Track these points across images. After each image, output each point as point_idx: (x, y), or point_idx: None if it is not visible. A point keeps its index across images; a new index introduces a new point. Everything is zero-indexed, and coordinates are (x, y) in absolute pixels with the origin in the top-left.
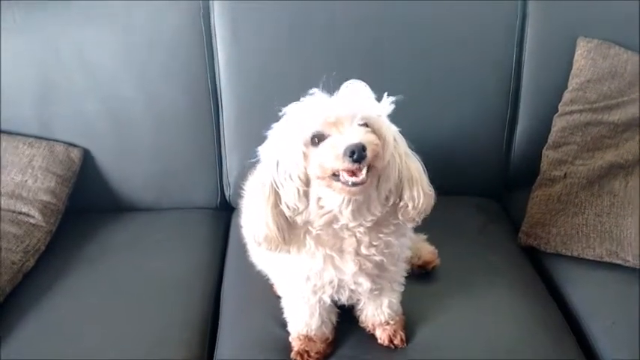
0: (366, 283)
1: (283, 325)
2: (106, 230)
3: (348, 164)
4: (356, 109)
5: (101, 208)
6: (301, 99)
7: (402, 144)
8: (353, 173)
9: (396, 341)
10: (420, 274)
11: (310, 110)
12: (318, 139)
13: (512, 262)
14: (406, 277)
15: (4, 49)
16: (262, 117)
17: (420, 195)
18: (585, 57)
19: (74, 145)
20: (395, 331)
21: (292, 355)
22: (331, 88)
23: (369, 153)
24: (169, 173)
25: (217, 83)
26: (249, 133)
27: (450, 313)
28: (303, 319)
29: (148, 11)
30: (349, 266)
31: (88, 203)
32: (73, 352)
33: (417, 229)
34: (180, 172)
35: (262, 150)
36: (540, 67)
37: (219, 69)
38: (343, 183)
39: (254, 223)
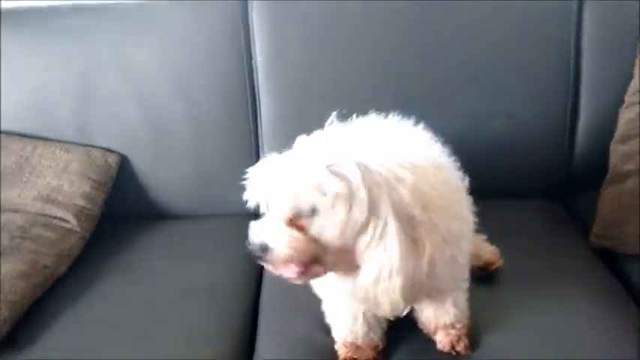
0: None
1: (328, 331)
2: (142, 237)
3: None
4: (285, 201)
5: (138, 214)
6: None
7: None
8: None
9: (459, 347)
10: (480, 276)
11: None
12: None
13: (585, 265)
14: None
15: (41, 55)
16: (301, 121)
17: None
18: None
19: (111, 151)
20: (459, 336)
21: None
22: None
23: (273, 257)
24: (207, 179)
25: (255, 87)
26: (288, 138)
27: (520, 319)
28: (347, 324)
29: (186, 14)
30: None
31: (124, 210)
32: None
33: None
34: (218, 177)
35: None
36: (601, 55)
37: (257, 72)
38: None
39: None
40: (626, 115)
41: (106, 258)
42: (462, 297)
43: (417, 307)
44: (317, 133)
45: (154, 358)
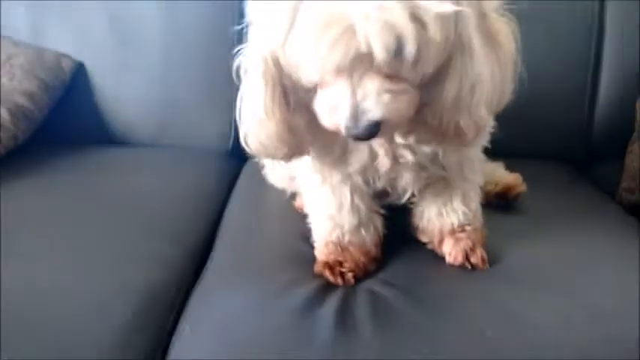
0: (407, 175)
1: (308, 238)
2: (91, 156)
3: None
4: (375, 40)
5: (89, 137)
6: None
7: (469, 29)
8: None
9: (475, 259)
10: (499, 205)
11: (308, 43)
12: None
13: (613, 213)
14: (484, 210)
15: None
16: None
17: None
18: None
19: (67, 56)
20: (474, 244)
21: (316, 267)
22: None
23: (384, 128)
24: (176, 103)
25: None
26: None
27: (545, 247)
28: (330, 213)
29: None
30: (380, 161)
31: (76, 131)
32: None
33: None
34: (190, 103)
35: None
36: (625, 15)
37: None
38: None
39: (256, 135)
40: None
41: (41, 167)
42: (473, 194)
43: (417, 208)
44: None
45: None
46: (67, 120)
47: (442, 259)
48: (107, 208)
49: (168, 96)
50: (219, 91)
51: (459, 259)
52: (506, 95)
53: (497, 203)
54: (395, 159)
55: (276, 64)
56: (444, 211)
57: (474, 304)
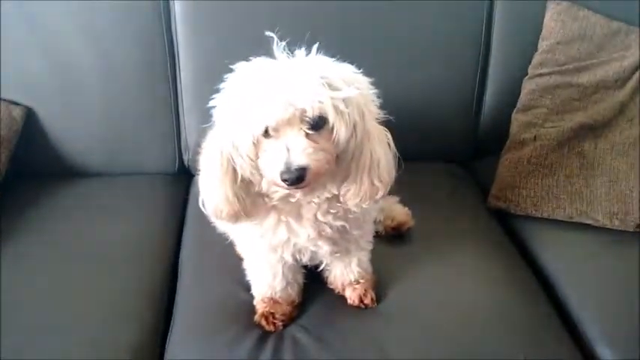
0: (325, 247)
1: (248, 288)
2: (51, 195)
3: (284, 185)
4: (307, 103)
5: (46, 172)
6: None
7: (370, 123)
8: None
9: (367, 300)
10: (393, 235)
11: (257, 102)
12: (266, 132)
13: (483, 225)
14: (378, 239)
15: None
16: (223, 75)
17: (363, 187)
18: (555, 19)
19: (16, 104)
20: (365, 290)
21: (256, 317)
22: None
23: (309, 174)
24: (121, 135)
25: (174, 38)
26: (209, 93)
27: (422, 274)
28: (266, 280)
29: None
30: (306, 231)
31: (31, 167)
32: (9, 322)
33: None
34: (134, 134)
35: (215, 116)
36: (510, 30)
37: (175, 23)
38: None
39: (212, 197)
40: (528, 86)
41: (11, 217)
42: (365, 257)
43: (326, 267)
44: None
45: (64, 323)
46: (24, 160)
47: (344, 299)
48: (72, 265)
49: (114, 129)
50: (160, 121)
51: (357, 302)
52: (393, 170)
53: (392, 234)
54: (318, 232)
55: (230, 156)
56: (344, 272)
57: (358, 340)
